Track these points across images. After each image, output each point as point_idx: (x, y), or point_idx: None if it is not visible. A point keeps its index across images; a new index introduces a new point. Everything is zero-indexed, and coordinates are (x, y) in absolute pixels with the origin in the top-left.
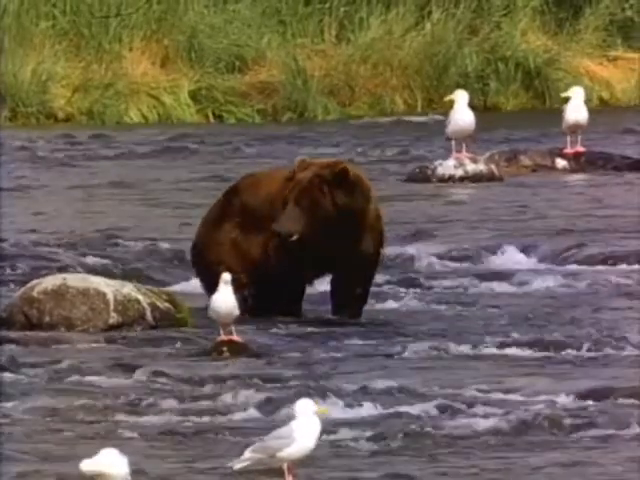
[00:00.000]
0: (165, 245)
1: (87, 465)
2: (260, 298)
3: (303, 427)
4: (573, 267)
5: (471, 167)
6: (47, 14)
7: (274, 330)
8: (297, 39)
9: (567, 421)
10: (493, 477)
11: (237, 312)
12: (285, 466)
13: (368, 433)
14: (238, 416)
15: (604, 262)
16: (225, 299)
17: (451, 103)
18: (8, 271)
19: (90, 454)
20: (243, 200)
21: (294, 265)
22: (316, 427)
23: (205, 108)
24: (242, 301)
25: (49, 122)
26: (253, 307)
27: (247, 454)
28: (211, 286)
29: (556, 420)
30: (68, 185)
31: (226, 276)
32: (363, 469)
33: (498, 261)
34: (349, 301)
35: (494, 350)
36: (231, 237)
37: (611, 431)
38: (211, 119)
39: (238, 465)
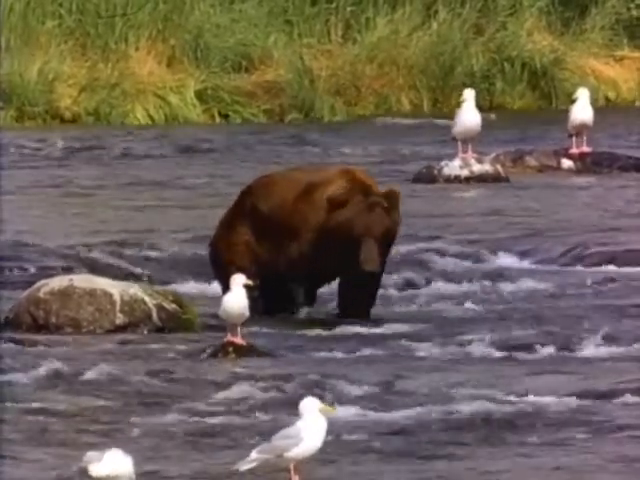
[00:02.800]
0: (171, 246)
1: (96, 471)
2: (269, 299)
3: (310, 426)
4: (578, 267)
5: (477, 167)
6: (53, 13)
7: (281, 331)
8: (303, 39)
9: (567, 421)
10: (494, 477)
11: (247, 313)
12: (292, 466)
13: (372, 433)
14: (244, 417)
15: (609, 262)
16: (236, 300)
17: (458, 103)
18: (14, 272)
19: (95, 454)
20: (255, 201)
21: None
22: (322, 426)
23: (211, 108)
24: (252, 302)
25: (55, 122)
26: (262, 308)
27: (254, 455)
28: (226, 286)
29: (556, 420)
30: (74, 185)
31: (238, 277)
32: (367, 469)
33: (503, 261)
34: (356, 303)
35: (496, 350)
36: (244, 238)
37: (610, 431)
38: (217, 119)
39: (245, 466)
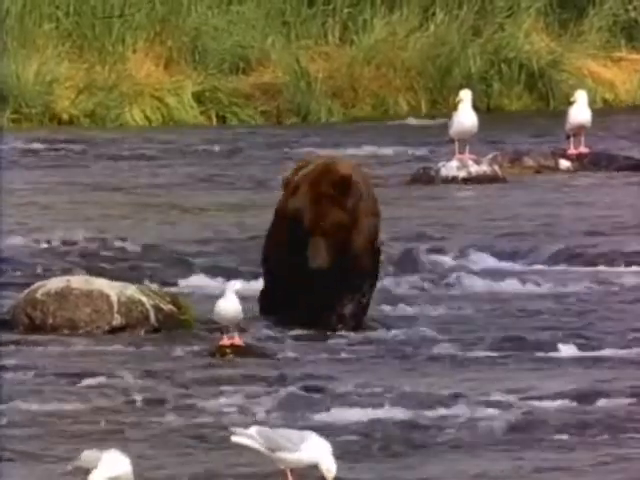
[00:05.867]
0: (168, 247)
1: (97, 477)
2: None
3: (314, 444)
4: (577, 268)
5: (474, 168)
6: (50, 15)
7: (279, 331)
8: (301, 41)
9: (565, 422)
10: (495, 478)
11: (241, 316)
12: (288, 469)
13: (369, 435)
14: (241, 418)
15: (606, 263)
16: (229, 304)
17: (455, 104)
18: (12, 273)
19: (90, 454)
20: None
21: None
22: (325, 449)
23: (209, 110)
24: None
25: (52, 124)
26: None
27: (253, 431)
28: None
29: (554, 421)
30: (71, 187)
31: (232, 283)
32: (367, 469)
33: (500, 262)
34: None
35: (495, 351)
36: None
37: (610, 432)
38: (214, 121)
39: (238, 438)
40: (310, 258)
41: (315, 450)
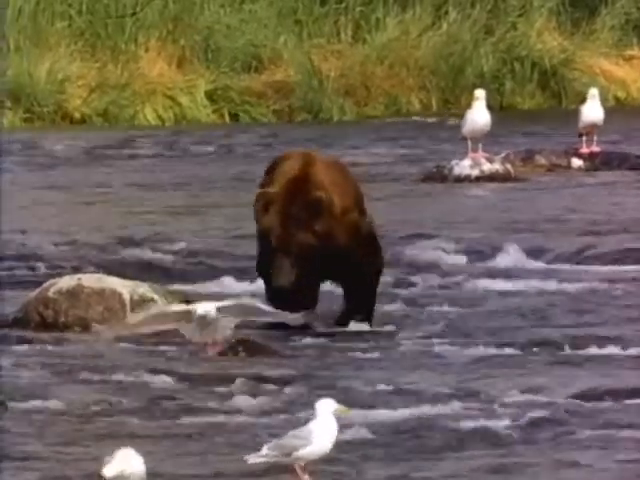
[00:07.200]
0: (180, 245)
1: (109, 470)
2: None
3: (321, 429)
4: (587, 266)
5: (487, 167)
6: (63, 14)
7: (291, 331)
8: (313, 39)
9: (573, 420)
10: (498, 477)
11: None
12: (300, 465)
13: (376, 434)
14: (253, 416)
15: (616, 262)
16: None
17: (468, 103)
18: (24, 271)
19: (102, 454)
20: None
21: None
22: (333, 429)
23: (221, 108)
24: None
25: (64, 123)
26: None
27: (265, 450)
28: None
29: (556, 420)
30: (83, 186)
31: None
32: (372, 469)
33: (512, 260)
34: (357, 304)
35: (504, 349)
36: None
37: (611, 432)
38: (227, 119)
39: (254, 460)
40: (273, 276)
41: (324, 429)
